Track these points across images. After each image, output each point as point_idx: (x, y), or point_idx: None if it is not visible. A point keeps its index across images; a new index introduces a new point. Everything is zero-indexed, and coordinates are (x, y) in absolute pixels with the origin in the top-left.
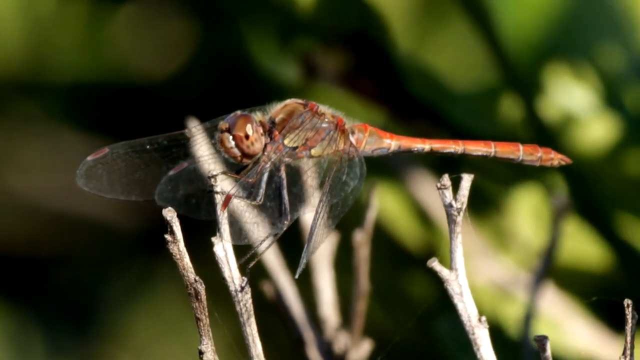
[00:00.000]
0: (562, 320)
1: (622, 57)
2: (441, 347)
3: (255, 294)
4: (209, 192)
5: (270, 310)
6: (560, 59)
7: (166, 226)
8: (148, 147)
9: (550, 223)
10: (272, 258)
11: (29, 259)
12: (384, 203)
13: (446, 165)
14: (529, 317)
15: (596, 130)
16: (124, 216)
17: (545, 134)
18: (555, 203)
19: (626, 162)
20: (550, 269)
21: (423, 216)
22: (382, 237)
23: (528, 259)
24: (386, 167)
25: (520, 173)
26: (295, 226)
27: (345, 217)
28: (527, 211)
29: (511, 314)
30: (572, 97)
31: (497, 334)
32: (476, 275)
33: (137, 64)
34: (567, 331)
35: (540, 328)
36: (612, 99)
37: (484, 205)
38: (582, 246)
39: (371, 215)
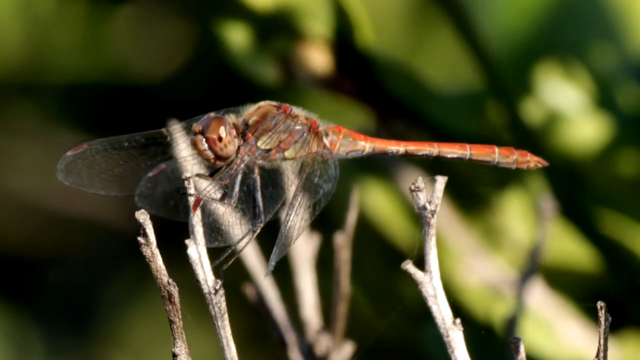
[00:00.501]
0: (552, 320)
1: (614, 56)
2: (428, 350)
3: (238, 295)
4: (183, 194)
5: (255, 313)
6: (550, 58)
7: (139, 228)
8: (126, 144)
9: (538, 222)
10: (254, 260)
11: (28, 260)
12: (373, 201)
13: (437, 165)
14: (515, 317)
15: (587, 130)
16: (123, 217)
17: (530, 136)
18: (542, 203)
19: (617, 162)
20: (537, 269)
21: (413, 214)
22: (373, 236)
23: (520, 258)
24: (376, 166)
25: (509, 173)
26: (276, 229)
27: (331, 217)
28: (518, 210)
29: (503, 314)
30: (563, 97)
31: (489, 333)
32: (467, 275)
33: (136, 65)
34: (557, 331)
35: (530, 327)
36: (603, 98)
37: (475, 204)
38: (572, 246)
39: (352, 217)
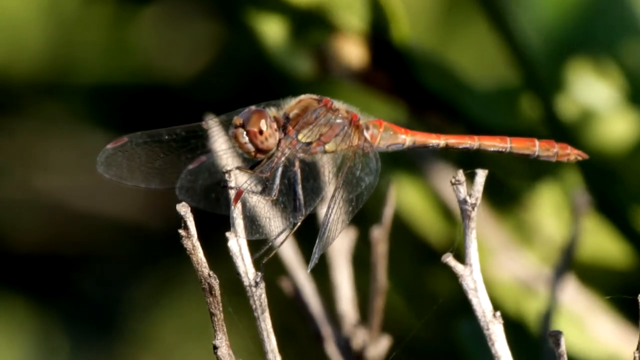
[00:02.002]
0: (585, 316)
1: None
2: (461, 346)
3: (275, 290)
4: (223, 187)
5: (291, 307)
6: (582, 55)
7: (180, 221)
8: (166, 137)
9: (571, 218)
10: (290, 254)
11: (54, 260)
12: (406, 198)
13: (467, 161)
14: (549, 313)
15: (618, 126)
16: (150, 217)
17: (564, 130)
18: (576, 199)
19: None
20: (570, 265)
21: (446, 211)
22: (405, 232)
23: (551, 254)
24: (408, 162)
25: (542, 168)
26: (314, 222)
27: (367, 212)
28: (550, 206)
29: (535, 310)
30: (595, 93)
31: (521, 329)
32: (500, 271)
33: (161, 65)
34: (590, 327)
35: (562, 324)
36: (635, 95)
37: (507, 200)
38: (604, 242)
39: (389, 212)
